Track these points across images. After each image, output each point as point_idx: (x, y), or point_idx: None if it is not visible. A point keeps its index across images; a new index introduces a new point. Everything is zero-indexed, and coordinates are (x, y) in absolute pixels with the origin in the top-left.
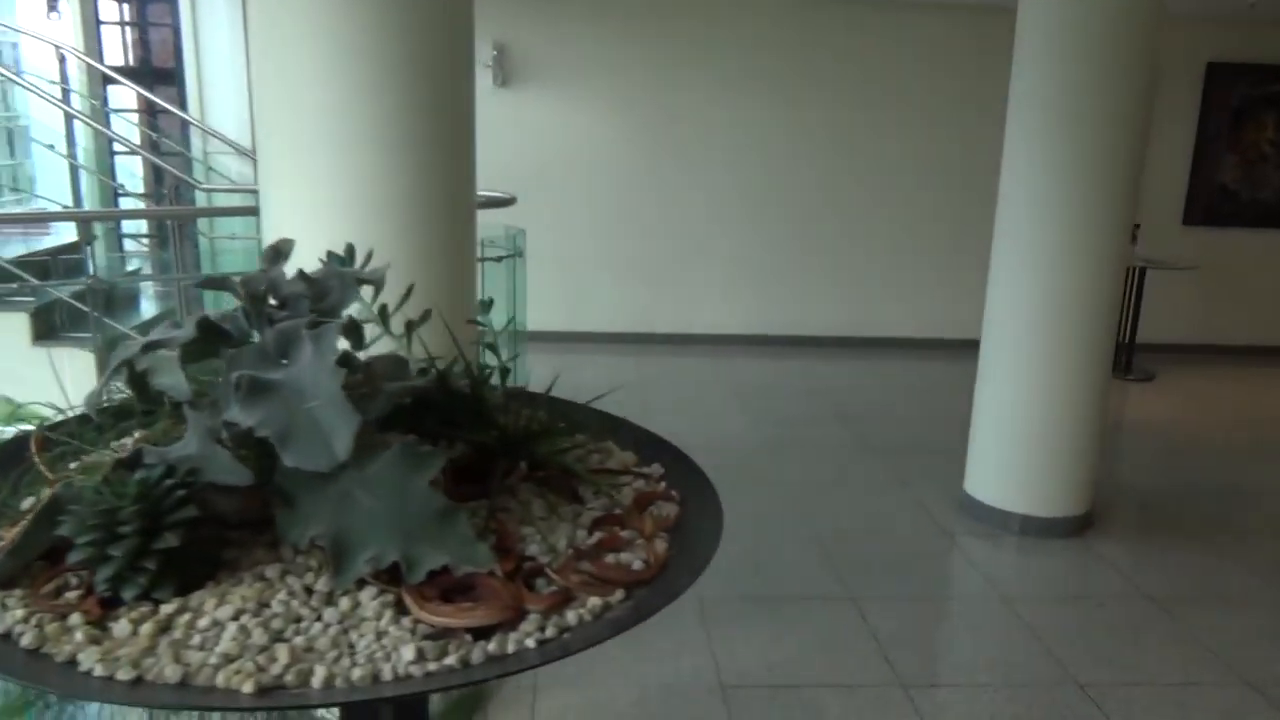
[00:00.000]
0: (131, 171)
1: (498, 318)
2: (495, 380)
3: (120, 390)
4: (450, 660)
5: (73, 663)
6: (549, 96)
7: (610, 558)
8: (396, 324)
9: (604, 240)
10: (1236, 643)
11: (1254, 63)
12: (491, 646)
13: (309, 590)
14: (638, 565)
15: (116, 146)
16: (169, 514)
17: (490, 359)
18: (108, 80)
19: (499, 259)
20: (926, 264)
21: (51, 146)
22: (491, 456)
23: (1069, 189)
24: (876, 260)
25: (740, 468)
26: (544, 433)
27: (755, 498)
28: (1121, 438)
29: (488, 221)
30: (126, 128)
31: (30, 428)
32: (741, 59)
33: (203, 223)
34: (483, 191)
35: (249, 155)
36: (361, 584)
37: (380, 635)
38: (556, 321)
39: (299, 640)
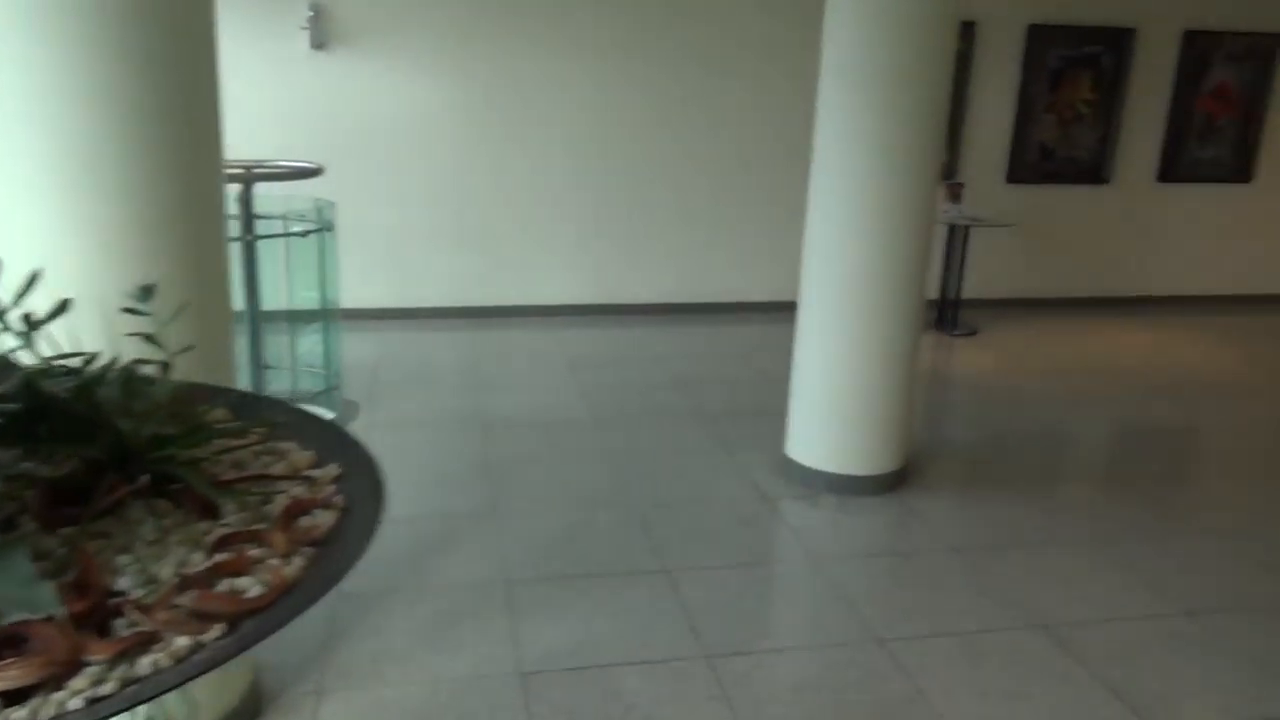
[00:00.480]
0: None
1: (307, 296)
2: (157, 378)
3: None
4: None
5: None
6: (372, 61)
7: (226, 584)
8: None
9: (434, 212)
10: (1031, 588)
11: (1071, 24)
12: (22, 714)
13: None
14: (255, 591)
15: None
16: None
17: (155, 353)
18: None
19: (304, 234)
20: (753, 228)
21: None
22: (101, 472)
23: (875, 148)
24: (705, 226)
25: (567, 441)
26: (175, 439)
27: (580, 472)
28: (943, 392)
29: (297, 194)
30: None
31: None
32: (571, 27)
33: None
34: (286, 161)
35: None
36: None
37: None
38: (385, 298)
39: None
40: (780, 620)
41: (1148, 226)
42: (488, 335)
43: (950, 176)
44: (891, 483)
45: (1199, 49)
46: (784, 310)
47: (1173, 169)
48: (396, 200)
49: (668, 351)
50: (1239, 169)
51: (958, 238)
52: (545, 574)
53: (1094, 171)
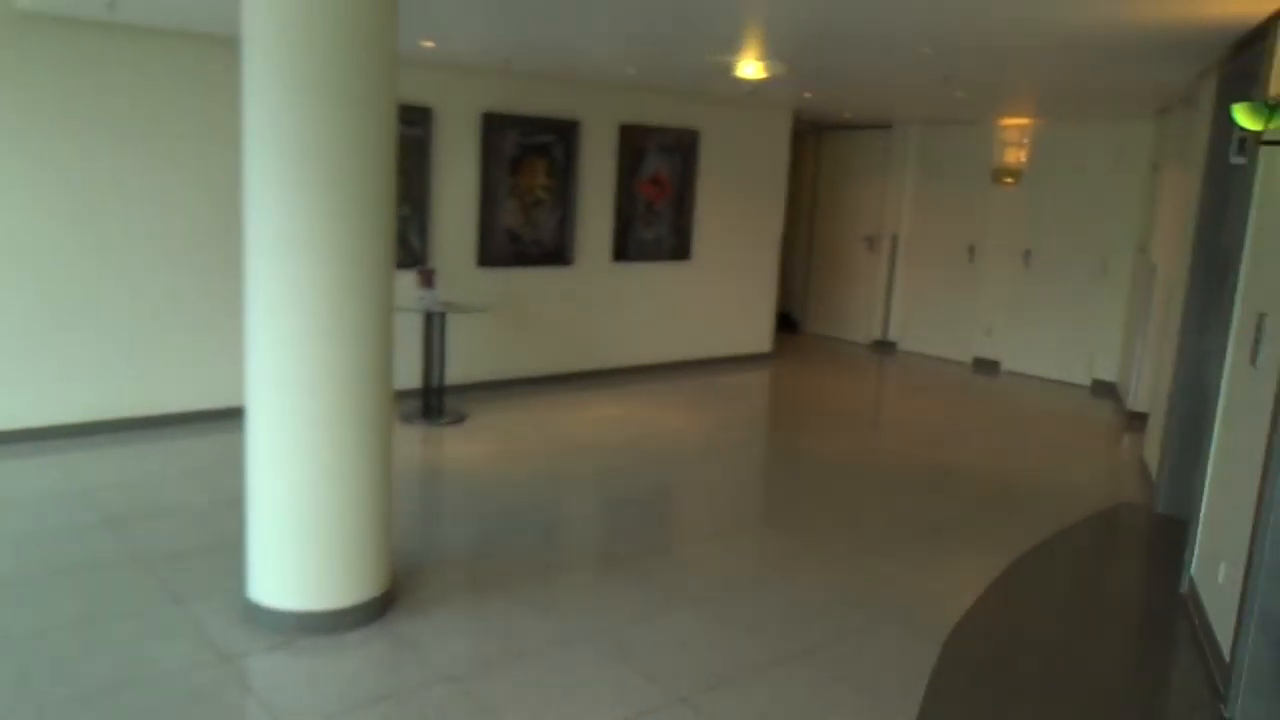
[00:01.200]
0: None
1: None
2: None
3: None
4: None
5: None
6: None
7: None
8: None
9: None
10: (533, 705)
11: (522, 114)
12: None
13: None
14: None
15: None
16: None
17: None
18: None
19: None
20: (208, 322)
21: None
22: None
23: (307, 237)
24: (142, 323)
25: None
26: None
27: None
28: (433, 489)
29: None
30: None
31: None
32: None
33: None
34: None
35: None
36: None
37: None
38: None
39: None
40: None
41: (608, 303)
42: None
43: (422, 263)
44: (377, 610)
45: (634, 140)
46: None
47: (624, 250)
48: None
49: (100, 482)
50: (679, 248)
51: (435, 324)
52: None
53: (558, 253)
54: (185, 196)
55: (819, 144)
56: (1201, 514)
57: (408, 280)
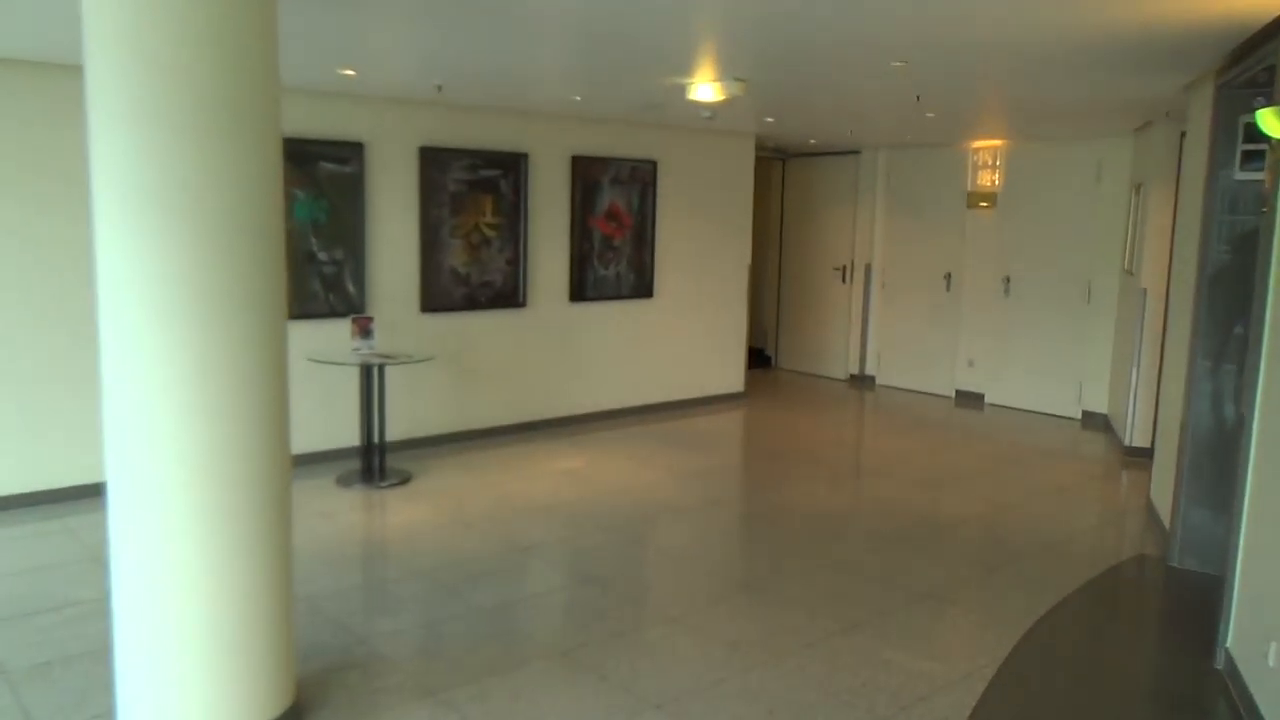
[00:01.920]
0: None
1: None
2: None
3: None
4: None
5: None
6: None
7: None
8: None
9: None
10: None
11: (463, 148)
12: None
13: None
14: None
15: None
16: None
17: None
18: None
19: None
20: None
21: None
22: None
23: (162, 288)
24: (31, 385)
25: None
26: None
27: None
28: (368, 566)
29: None
30: None
31: None
32: None
33: None
34: None
35: None
36: None
37: None
38: None
39: None
40: None
41: (566, 347)
42: None
43: (359, 310)
44: None
45: (588, 173)
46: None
47: (582, 289)
48: None
49: None
50: (641, 285)
51: (373, 377)
52: None
53: (509, 295)
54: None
55: (785, 172)
56: (1236, 577)
57: (343, 330)
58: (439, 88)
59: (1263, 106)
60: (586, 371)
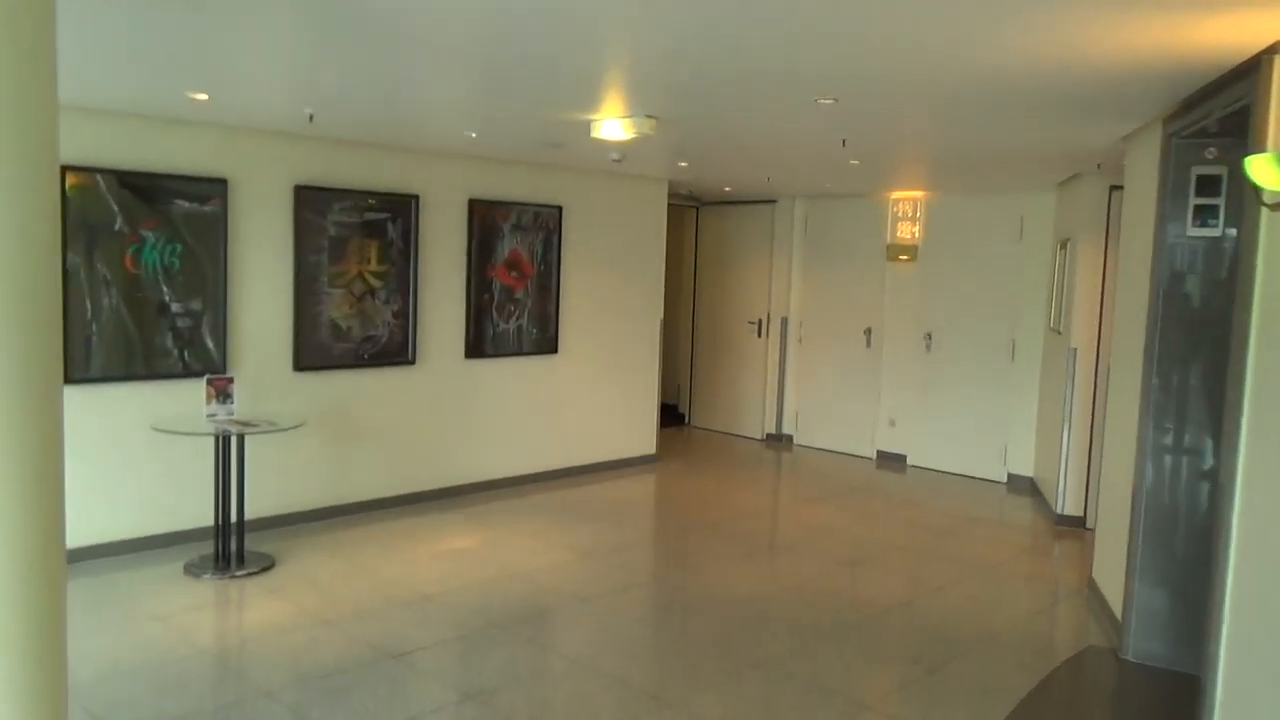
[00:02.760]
0: None
1: None
2: None
3: None
4: None
5: None
6: None
7: None
8: None
9: None
10: None
11: (346, 186)
12: None
13: None
14: None
15: None
16: None
17: None
18: None
19: None
20: None
21: None
22: None
23: None
24: None
25: None
26: None
27: None
28: (202, 689)
29: None
30: None
31: None
32: None
33: None
34: None
35: None
36: None
37: None
38: None
39: None
40: None
41: (460, 408)
42: None
43: (219, 370)
44: None
45: (487, 217)
46: None
47: (479, 344)
48: None
49: None
50: (545, 340)
51: (230, 448)
52: None
53: (396, 351)
54: None
55: (699, 220)
56: (1218, 676)
57: (198, 393)
58: (311, 117)
59: (1214, 158)
60: (483, 435)
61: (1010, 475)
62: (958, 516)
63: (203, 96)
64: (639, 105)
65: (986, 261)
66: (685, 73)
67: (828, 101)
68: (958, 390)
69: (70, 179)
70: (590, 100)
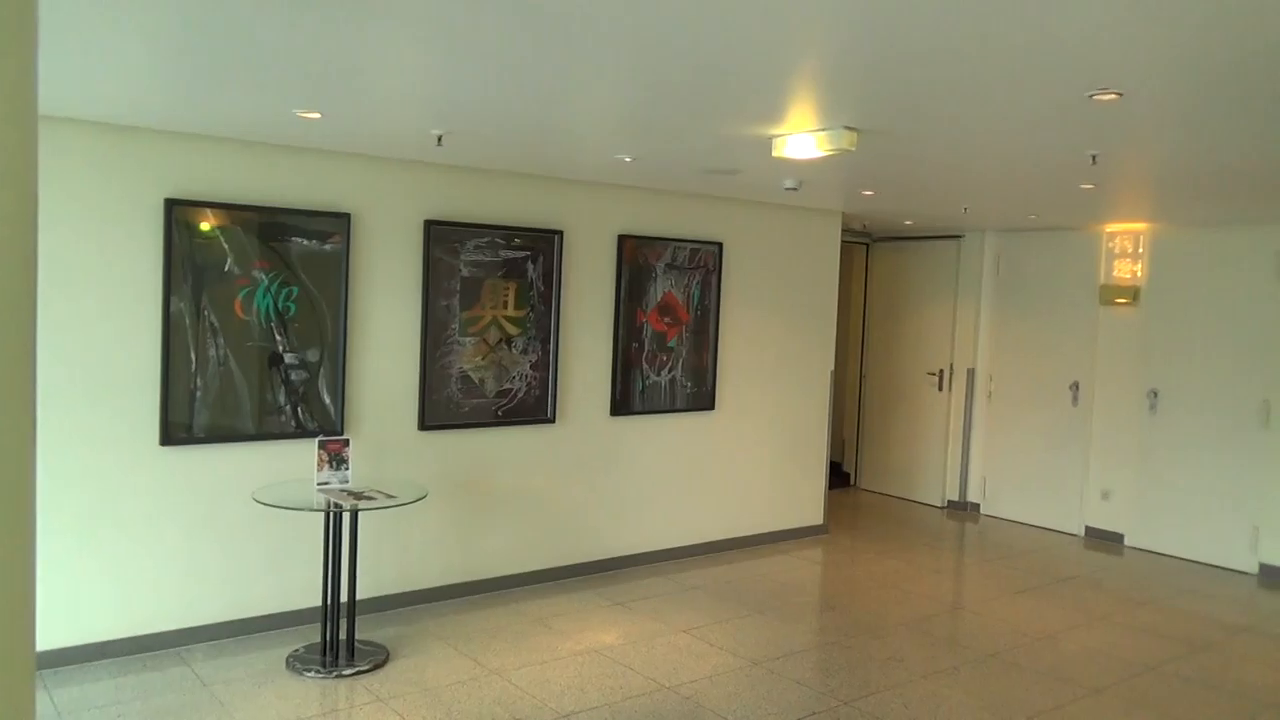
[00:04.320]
0: None
1: None
2: None
3: None
4: None
5: None
6: None
7: None
8: None
9: None
10: None
11: (481, 222)
12: None
13: None
14: None
15: None
16: None
17: None
18: None
19: None
20: None
21: None
22: None
23: None
24: None
25: None
26: None
27: None
28: None
29: None
30: None
31: None
32: None
33: None
34: None
35: None
36: None
37: None
38: None
39: None
40: None
41: (605, 472)
42: None
43: (335, 431)
44: None
45: (638, 256)
46: None
47: (627, 400)
48: None
49: None
50: (700, 395)
51: (342, 523)
52: None
53: (535, 408)
54: None
55: (870, 258)
56: None
57: (311, 455)
58: (440, 139)
59: None
60: (630, 503)
61: (1263, 566)
62: (1208, 622)
63: (314, 115)
64: (836, 114)
65: (1231, 305)
66: (905, 67)
67: (1107, 97)
68: (1191, 459)
69: (176, 214)
70: (774, 109)
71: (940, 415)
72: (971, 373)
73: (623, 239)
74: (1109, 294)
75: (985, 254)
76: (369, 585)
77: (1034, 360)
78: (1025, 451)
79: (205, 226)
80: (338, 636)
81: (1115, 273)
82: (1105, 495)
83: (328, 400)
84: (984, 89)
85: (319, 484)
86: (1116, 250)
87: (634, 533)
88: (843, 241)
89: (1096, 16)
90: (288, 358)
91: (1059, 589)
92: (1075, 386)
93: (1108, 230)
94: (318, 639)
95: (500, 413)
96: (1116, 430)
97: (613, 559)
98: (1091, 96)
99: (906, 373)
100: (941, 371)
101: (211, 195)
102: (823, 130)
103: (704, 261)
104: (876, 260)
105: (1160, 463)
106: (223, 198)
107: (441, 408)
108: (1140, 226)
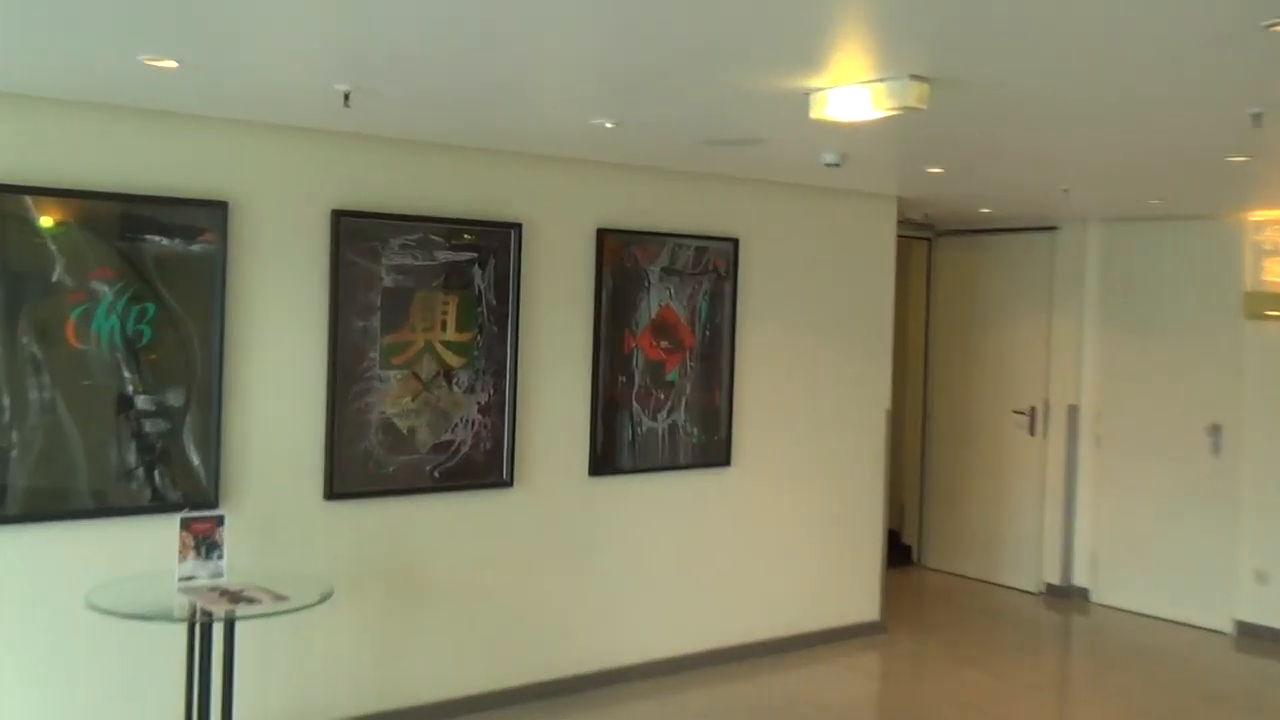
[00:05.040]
0: None
1: None
2: None
3: None
4: None
5: None
6: None
7: None
8: None
9: None
10: None
11: (408, 213)
12: None
13: None
14: None
15: None
16: None
17: None
18: None
19: None
20: None
21: None
22: None
23: None
24: None
25: None
26: None
27: None
28: None
29: None
30: None
31: None
32: None
33: None
34: None
35: None
36: None
37: None
38: None
39: None
40: None
41: (582, 554)
42: None
43: (204, 502)
44: None
45: (624, 257)
46: None
47: (611, 456)
48: None
49: None
50: (710, 447)
51: (211, 637)
52: None
53: (485, 467)
54: None
55: (932, 257)
56: None
57: (168, 538)
58: (346, 97)
59: None
60: (616, 596)
61: None
62: None
63: (169, 64)
64: (900, 58)
65: None
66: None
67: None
68: None
69: None
70: (814, 50)
71: (1033, 468)
72: (1074, 410)
73: (603, 234)
74: (1258, 304)
75: (1089, 252)
76: (254, 716)
77: (1158, 394)
78: (1150, 517)
79: (24, 221)
80: None
81: (1266, 275)
82: (1262, 578)
83: (196, 460)
84: (1105, 17)
85: (181, 579)
86: (1268, 246)
87: (619, 638)
88: (899, 236)
89: None
90: (140, 401)
91: (1206, 713)
92: (1216, 429)
93: (1254, 220)
94: None
95: (438, 474)
96: (1276, 488)
97: (589, 675)
98: (1269, 27)
99: (985, 411)
100: (1033, 409)
101: (29, 178)
102: (881, 81)
103: (714, 265)
104: (942, 260)
105: None
106: (45, 181)
107: (357, 468)
108: None
